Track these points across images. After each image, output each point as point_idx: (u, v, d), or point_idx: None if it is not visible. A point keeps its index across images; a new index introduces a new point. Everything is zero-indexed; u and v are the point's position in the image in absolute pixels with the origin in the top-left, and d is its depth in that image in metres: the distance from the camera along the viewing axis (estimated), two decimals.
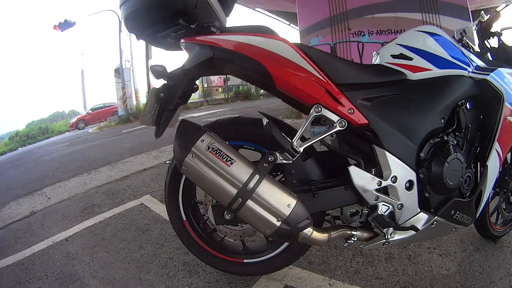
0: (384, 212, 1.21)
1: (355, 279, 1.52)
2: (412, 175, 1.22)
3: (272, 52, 1.11)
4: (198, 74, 1.30)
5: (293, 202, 1.10)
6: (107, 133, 11.67)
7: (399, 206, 1.21)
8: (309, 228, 1.13)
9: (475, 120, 1.38)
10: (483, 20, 1.71)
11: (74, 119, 22.89)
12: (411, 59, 1.29)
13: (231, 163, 1.09)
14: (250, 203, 1.09)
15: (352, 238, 1.23)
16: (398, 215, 1.22)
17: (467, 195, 1.38)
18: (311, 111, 1.14)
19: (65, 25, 12.09)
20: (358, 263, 1.63)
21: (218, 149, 1.10)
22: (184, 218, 1.51)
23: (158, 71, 1.20)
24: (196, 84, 1.36)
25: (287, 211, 1.08)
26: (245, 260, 1.49)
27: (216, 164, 1.09)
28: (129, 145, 6.89)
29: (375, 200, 1.19)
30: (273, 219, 1.08)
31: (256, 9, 10.54)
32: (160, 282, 1.62)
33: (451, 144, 1.27)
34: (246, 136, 1.34)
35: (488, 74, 1.34)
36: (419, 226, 1.24)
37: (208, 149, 1.10)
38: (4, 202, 3.89)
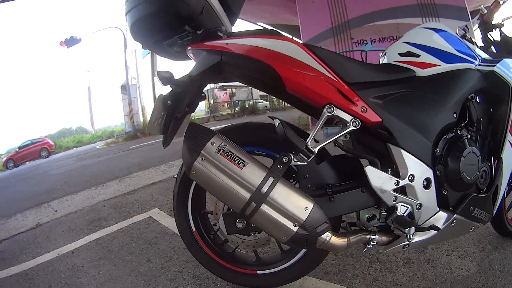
0: (403, 213, 1.18)
1: (373, 286, 1.45)
2: (429, 173, 1.19)
3: (280, 53, 1.09)
4: (205, 81, 1.29)
5: (310, 205, 1.05)
6: (114, 148, 11.79)
7: (418, 206, 1.18)
8: (327, 232, 1.09)
9: (486, 114, 1.37)
10: (484, 13, 1.70)
11: (4, 159, 22.14)
12: (418, 56, 1.29)
13: (243, 166, 1.05)
14: (264, 207, 1.04)
15: (372, 243, 1.19)
16: (417, 215, 1.19)
17: (484, 190, 1.35)
18: (323, 111, 1.10)
19: (71, 41, 12.46)
20: (376, 270, 1.57)
21: (229, 151, 1.06)
22: (194, 229, 1.46)
23: (165, 77, 1.18)
24: (204, 93, 1.35)
25: (304, 215, 1.03)
26: (258, 272, 1.42)
27: (227, 167, 1.04)
28: (137, 160, 6.92)
29: (393, 201, 1.16)
30: (289, 224, 1.03)
31: (258, 23, 10.65)
32: None
33: (465, 138, 1.24)
34: (257, 141, 1.31)
35: (494, 66, 1.34)
36: (439, 225, 1.20)
37: (219, 151, 1.06)
38: (10, 214, 3.89)
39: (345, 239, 1.15)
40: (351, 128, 1.12)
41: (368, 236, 1.19)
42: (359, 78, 1.16)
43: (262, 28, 1.19)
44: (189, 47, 1.21)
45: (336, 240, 1.12)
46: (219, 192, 1.07)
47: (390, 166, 1.18)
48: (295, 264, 1.38)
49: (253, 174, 1.05)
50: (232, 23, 1.33)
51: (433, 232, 1.19)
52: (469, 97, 1.30)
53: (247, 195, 1.03)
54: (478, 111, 1.33)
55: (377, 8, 6.17)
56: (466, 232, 1.35)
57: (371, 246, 1.19)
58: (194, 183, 1.42)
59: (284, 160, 1.08)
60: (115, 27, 17.21)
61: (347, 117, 1.11)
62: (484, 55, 1.44)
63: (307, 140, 1.11)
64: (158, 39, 1.25)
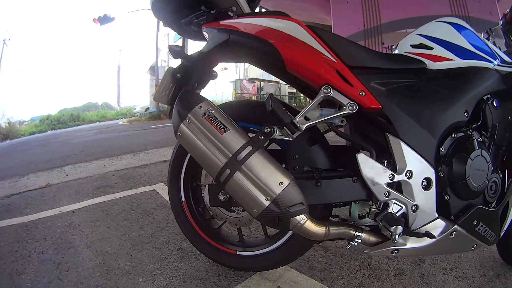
0: (396, 212, 1.11)
1: None
2: (430, 172, 1.11)
3: (282, 32, 1.11)
4: (216, 59, 1.32)
5: (286, 181, 1.03)
6: (136, 126, 12.14)
7: (413, 208, 1.10)
8: (303, 215, 1.05)
9: (504, 120, 1.27)
10: (507, 12, 1.57)
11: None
12: (431, 48, 1.22)
13: (225, 131, 1.06)
14: (238, 175, 1.04)
15: (356, 240, 1.12)
16: (411, 218, 1.11)
17: (492, 205, 1.24)
18: (320, 91, 1.09)
19: (104, 19, 12.64)
20: (364, 276, 1.50)
21: (214, 116, 1.09)
22: (183, 199, 1.51)
23: (176, 51, 1.25)
24: (215, 72, 1.39)
25: (278, 190, 1.01)
26: (238, 252, 1.44)
27: (210, 131, 1.07)
28: (155, 139, 7.10)
29: (386, 197, 1.09)
30: (261, 197, 1.02)
31: None
32: (150, 262, 1.63)
33: (476, 140, 1.16)
34: (254, 118, 1.31)
35: None
36: (436, 234, 1.11)
37: (204, 115, 1.09)
38: (23, 173, 4.11)
39: (323, 228, 1.10)
40: (347, 111, 1.09)
41: (353, 232, 1.13)
42: (362, 62, 1.14)
43: (272, 10, 1.22)
44: (204, 27, 1.27)
45: (311, 226, 1.07)
46: (199, 155, 1.10)
47: (387, 158, 1.13)
48: (275, 251, 1.38)
49: (233, 140, 1.06)
50: (252, 9, 1.37)
51: (428, 241, 1.12)
52: (485, 98, 1.23)
53: (223, 160, 1.05)
54: (495, 116, 1.25)
55: (411, 15, 5.99)
56: (467, 249, 1.24)
57: (355, 243, 1.14)
58: (189, 154, 1.46)
59: (265, 130, 1.08)
60: (148, 9, 17.57)
61: (344, 100, 1.09)
62: (506, 58, 1.33)
63: (296, 117, 1.11)
64: (177, 17, 1.33)
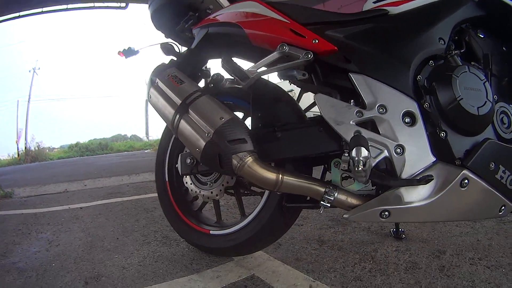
0: (375, 157, 0.89)
1: (351, 286, 1.16)
2: (410, 105, 0.92)
3: (243, 12, 1.23)
4: (203, 54, 1.44)
5: (227, 116, 1.04)
6: None
7: (398, 150, 0.89)
8: (245, 152, 0.99)
9: (497, 51, 1.12)
10: None
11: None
12: None
13: (181, 84, 1.19)
14: (186, 118, 1.10)
15: (327, 198, 0.94)
16: (398, 162, 0.89)
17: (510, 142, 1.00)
18: (276, 49, 1.07)
19: (129, 52, 13.43)
20: (364, 269, 1.26)
21: (176, 76, 1.24)
22: (167, 179, 1.57)
23: (167, 48, 1.45)
24: (208, 69, 1.51)
25: (217, 124, 1.02)
26: (211, 232, 1.40)
27: (169, 86, 1.21)
28: None
29: None
30: (203, 135, 1.04)
31: None
32: (132, 244, 1.71)
33: (458, 58, 1.01)
34: (240, 94, 1.32)
35: None
36: (438, 183, 0.88)
37: (168, 76, 1.24)
38: (45, 183, 4.42)
39: (274, 174, 0.98)
40: (302, 59, 1.03)
41: (322, 189, 0.96)
42: (316, 19, 1.13)
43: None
44: (193, 30, 1.44)
45: (257, 168, 0.98)
46: (160, 109, 1.23)
47: (354, 98, 0.98)
48: (245, 228, 1.29)
49: (185, 89, 1.18)
50: None
51: (432, 197, 0.88)
52: (463, 26, 1.08)
53: (175, 107, 1.16)
54: (484, 46, 1.08)
55: None
56: (492, 213, 0.95)
57: (328, 204, 0.96)
58: (173, 136, 1.51)
59: (213, 77, 1.18)
60: (172, 43, 18.34)
61: (299, 52, 1.05)
62: None
63: (248, 68, 1.13)
64: (172, 26, 1.52)
